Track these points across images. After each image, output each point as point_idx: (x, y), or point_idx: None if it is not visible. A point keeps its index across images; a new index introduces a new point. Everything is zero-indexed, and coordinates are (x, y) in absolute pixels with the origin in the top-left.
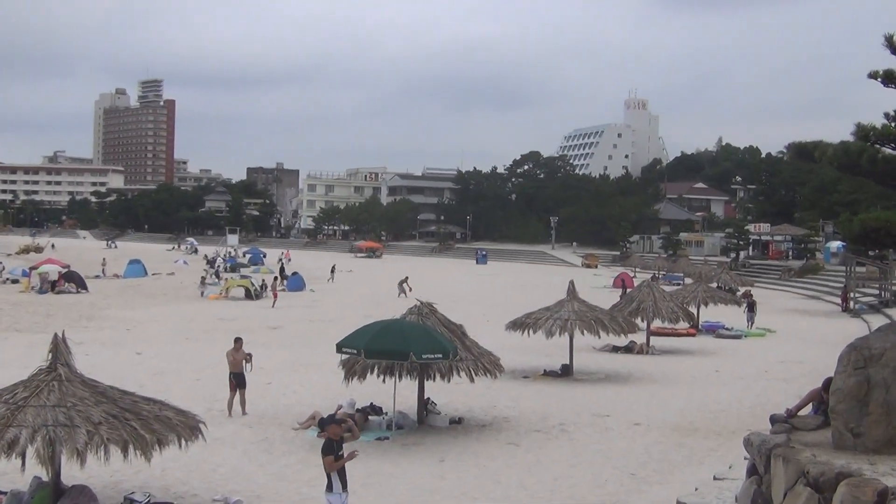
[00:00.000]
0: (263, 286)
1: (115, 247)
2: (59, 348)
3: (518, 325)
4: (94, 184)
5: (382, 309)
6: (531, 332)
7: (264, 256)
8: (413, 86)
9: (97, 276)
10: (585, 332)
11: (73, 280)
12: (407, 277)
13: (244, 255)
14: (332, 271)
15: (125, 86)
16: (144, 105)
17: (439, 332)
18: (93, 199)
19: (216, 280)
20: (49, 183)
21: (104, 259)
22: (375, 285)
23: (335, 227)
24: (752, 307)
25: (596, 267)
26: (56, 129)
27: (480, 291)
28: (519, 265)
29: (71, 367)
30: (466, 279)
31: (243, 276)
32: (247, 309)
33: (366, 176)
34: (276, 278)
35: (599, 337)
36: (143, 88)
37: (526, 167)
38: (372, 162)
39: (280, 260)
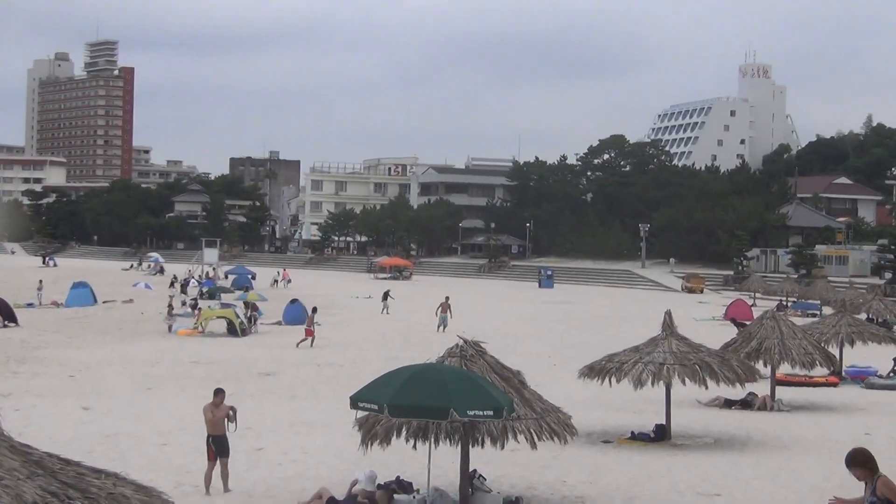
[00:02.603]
0: (251, 318)
1: (55, 265)
2: None
3: (596, 370)
4: (25, 180)
5: (412, 349)
6: (614, 380)
7: (253, 278)
8: (450, 48)
9: (30, 305)
10: (687, 380)
11: None
12: (448, 299)
13: (226, 277)
14: (386, 298)
15: (67, 49)
16: (93, 75)
17: (489, 380)
18: (24, 200)
19: (188, 310)
20: None
21: (40, 281)
22: (403, 316)
23: (348, 238)
24: None
25: (701, 291)
26: None
27: (544, 325)
28: (596, 289)
29: None
30: (525, 308)
31: (225, 305)
32: (230, 349)
33: (390, 169)
34: (314, 310)
35: (706, 387)
36: (91, 53)
37: (606, 156)
38: (397, 150)
39: (276, 280)
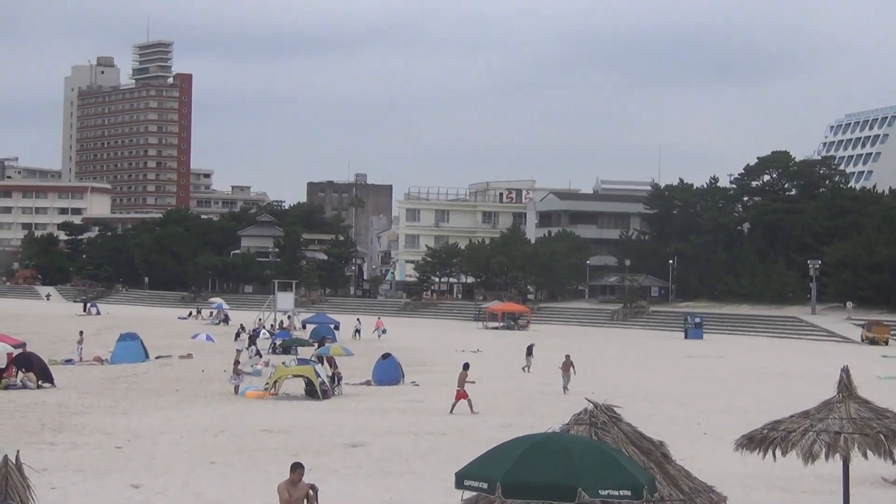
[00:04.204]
0: (335, 377)
1: (98, 312)
2: (9, 479)
3: (757, 441)
4: (62, 211)
5: (530, 415)
6: (779, 452)
7: (336, 328)
8: (574, 48)
9: (68, 361)
10: (870, 453)
11: (30, 367)
12: (569, 357)
13: (304, 327)
14: (530, 353)
15: (112, 53)
16: (143, 83)
17: (625, 453)
18: (62, 234)
19: (259, 367)
20: None
21: (80, 333)
22: (518, 375)
23: (451, 280)
24: None
25: (886, 343)
26: (2, 123)
27: (692, 385)
28: (755, 340)
29: None
30: (669, 364)
31: (302, 361)
32: (309, 414)
33: (501, 195)
34: (466, 366)
35: (894, 462)
36: (140, 57)
37: (766, 178)
38: (510, 172)
39: (357, 331)
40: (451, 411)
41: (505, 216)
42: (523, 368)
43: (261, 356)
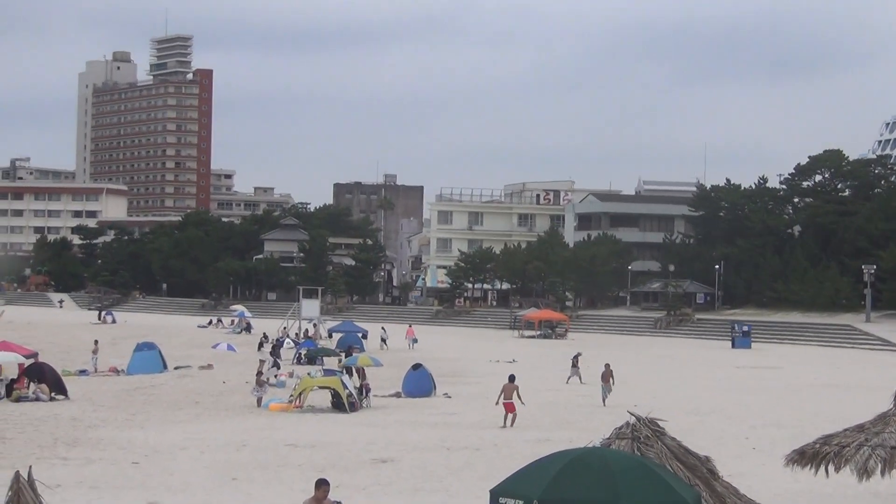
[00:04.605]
0: (363, 389)
1: (113, 321)
2: (21, 496)
3: (808, 456)
4: (76, 213)
5: (569, 429)
6: (831, 468)
7: (364, 337)
8: (618, 40)
9: (83, 372)
10: None
11: (43, 378)
12: (608, 366)
13: (330, 336)
14: (576, 364)
15: (129, 48)
16: (161, 79)
17: (669, 469)
18: (76, 239)
19: (283, 378)
20: (2, 212)
21: (95, 342)
22: (555, 387)
23: (486, 286)
24: None
25: None
26: (14, 122)
27: (740, 397)
28: (807, 350)
29: None
30: (715, 375)
31: (328, 372)
32: (335, 428)
33: (538, 196)
34: (512, 378)
35: None
36: (158, 52)
37: (818, 178)
38: (548, 172)
39: (383, 340)
40: (509, 425)
41: (542, 219)
42: (568, 380)
43: (278, 367)
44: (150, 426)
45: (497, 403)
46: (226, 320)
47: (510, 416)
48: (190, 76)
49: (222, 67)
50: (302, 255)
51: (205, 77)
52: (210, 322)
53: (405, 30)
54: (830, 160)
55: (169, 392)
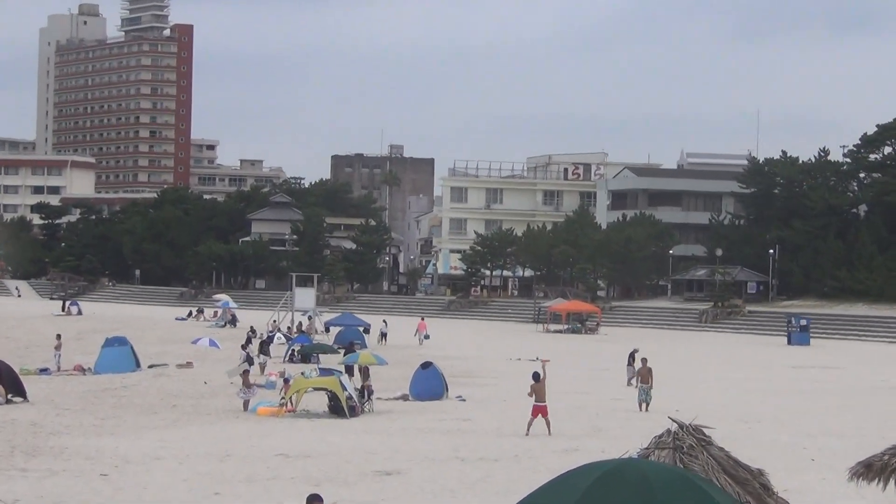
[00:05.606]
0: (364, 390)
1: (79, 312)
2: None
3: (875, 469)
4: (37, 189)
5: (600, 437)
6: None
7: (366, 332)
8: None
9: (44, 371)
10: None
11: None
12: (646, 362)
13: (327, 330)
14: (632, 362)
15: (97, 0)
16: (134, 36)
17: (716, 484)
18: (36, 218)
19: (273, 378)
20: None
21: (58, 336)
22: (586, 389)
23: (506, 273)
24: None
25: None
26: None
27: (797, 401)
28: (873, 346)
29: None
30: (768, 376)
31: (325, 371)
32: (333, 435)
33: (566, 171)
34: (537, 376)
35: None
36: (131, 4)
37: (888, 150)
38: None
39: (383, 335)
40: (545, 432)
41: (570, 196)
42: (629, 383)
43: (251, 363)
44: (120, 433)
45: (530, 395)
46: (207, 312)
47: (536, 421)
48: (167, 32)
49: (204, 22)
50: (295, 237)
51: (184, 33)
52: (190, 314)
53: None
54: None
55: (142, 394)
